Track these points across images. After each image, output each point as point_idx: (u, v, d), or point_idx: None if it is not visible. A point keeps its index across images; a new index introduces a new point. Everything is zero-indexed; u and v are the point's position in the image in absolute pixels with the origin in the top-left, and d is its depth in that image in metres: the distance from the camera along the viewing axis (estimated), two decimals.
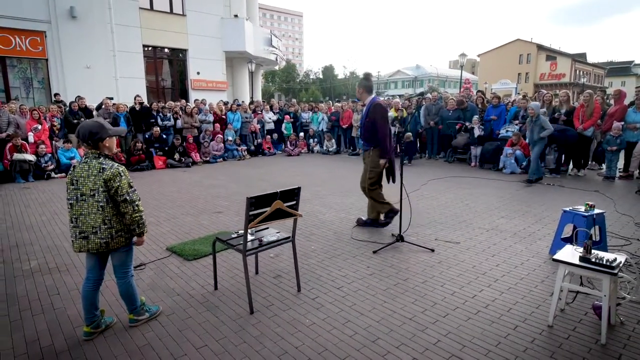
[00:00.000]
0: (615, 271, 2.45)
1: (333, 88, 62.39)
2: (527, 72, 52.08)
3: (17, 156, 8.20)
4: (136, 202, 2.53)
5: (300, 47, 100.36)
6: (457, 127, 10.11)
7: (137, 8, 14.87)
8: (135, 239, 2.67)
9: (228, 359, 2.41)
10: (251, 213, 2.81)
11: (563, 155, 8.53)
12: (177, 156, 10.19)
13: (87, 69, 13.33)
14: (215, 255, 3.34)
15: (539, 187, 7.22)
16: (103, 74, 13.69)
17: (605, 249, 3.71)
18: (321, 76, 66.55)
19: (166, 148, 10.30)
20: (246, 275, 2.92)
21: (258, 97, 21.16)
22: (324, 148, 12.73)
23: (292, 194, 3.09)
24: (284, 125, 13.07)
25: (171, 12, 16.20)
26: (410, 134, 9.83)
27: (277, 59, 22.51)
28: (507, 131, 9.08)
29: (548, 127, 7.21)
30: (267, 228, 3.36)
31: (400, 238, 4.27)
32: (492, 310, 2.93)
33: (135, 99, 10.79)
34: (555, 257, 2.71)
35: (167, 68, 17.15)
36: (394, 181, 4.79)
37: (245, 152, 11.77)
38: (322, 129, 13.03)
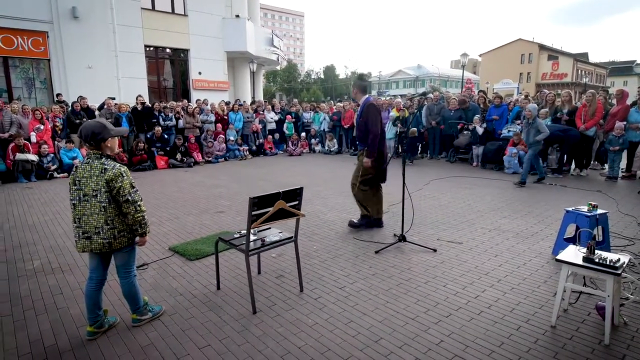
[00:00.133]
0: (619, 271, 2.44)
1: (334, 88, 62.41)
2: (529, 72, 51.97)
3: (20, 156, 8.23)
4: (138, 203, 2.54)
5: (302, 47, 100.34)
6: (459, 127, 10.10)
7: (138, 8, 14.90)
8: (137, 239, 2.68)
9: (231, 358, 2.41)
10: (254, 213, 2.82)
11: (565, 155, 8.50)
12: (178, 156, 10.21)
13: (89, 69, 13.36)
14: (218, 255, 3.35)
15: (541, 187, 7.21)
16: (105, 74, 13.72)
17: (608, 250, 3.70)
18: (322, 76, 66.58)
19: (168, 148, 10.32)
20: (249, 275, 2.92)
21: (259, 97, 21.18)
22: (326, 148, 12.73)
23: (295, 194, 3.10)
24: (285, 125, 13.07)
25: (173, 12, 16.22)
26: (415, 129, 9.84)
27: (278, 59, 22.51)
28: (509, 131, 9.07)
29: (544, 131, 7.03)
30: (270, 228, 3.36)
31: (402, 238, 4.26)
32: (495, 310, 2.92)
33: (137, 99, 10.81)
34: (558, 257, 2.71)
35: (169, 68, 17.17)
36: (383, 181, 4.86)
37: (247, 152, 11.78)
38: (324, 129, 13.03)
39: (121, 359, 2.42)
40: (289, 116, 13.21)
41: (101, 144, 2.52)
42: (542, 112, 8.57)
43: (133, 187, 2.55)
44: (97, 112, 9.96)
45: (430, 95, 11.22)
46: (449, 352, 2.44)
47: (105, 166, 2.47)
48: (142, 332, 2.70)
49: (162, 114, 10.70)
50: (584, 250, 2.66)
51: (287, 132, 13.00)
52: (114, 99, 10.53)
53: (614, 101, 8.81)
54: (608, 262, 2.50)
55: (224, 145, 11.29)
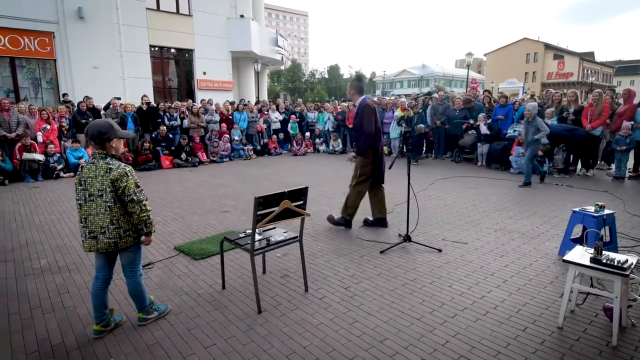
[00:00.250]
0: (627, 272, 2.42)
1: (339, 88, 62.37)
2: (535, 71, 51.69)
3: (27, 156, 8.30)
4: (143, 202, 2.55)
5: (306, 46, 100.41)
6: (464, 126, 10.06)
7: (143, 8, 14.96)
8: (143, 238, 2.69)
9: (236, 358, 2.42)
10: (259, 213, 2.82)
11: (571, 155, 8.44)
12: (183, 156, 10.24)
13: (94, 69, 13.44)
14: (223, 255, 3.35)
15: (547, 187, 7.16)
16: (110, 74, 13.80)
17: (615, 250, 3.67)
18: (327, 76, 66.59)
19: (173, 148, 10.35)
20: (254, 275, 2.93)
21: (264, 96, 21.20)
22: (330, 148, 12.72)
23: (300, 194, 3.10)
24: (290, 125, 13.08)
25: (177, 12, 16.27)
26: (422, 125, 9.80)
27: (282, 59, 22.55)
28: (514, 130, 9.02)
29: (544, 129, 6.90)
30: (275, 228, 3.36)
31: (407, 238, 4.25)
32: (501, 311, 2.91)
33: (142, 99, 10.85)
34: (565, 258, 2.69)
35: (174, 68, 17.24)
36: (381, 182, 4.89)
37: (252, 152, 11.80)
38: (328, 129, 13.02)
39: (127, 357, 2.44)
40: (293, 116, 13.22)
41: (106, 143, 2.53)
42: (548, 112, 8.53)
43: (138, 187, 2.56)
44: (102, 112, 10.03)
45: (435, 94, 11.19)
46: (454, 352, 2.43)
47: (110, 166, 2.48)
48: (148, 331, 2.71)
49: (167, 114, 10.73)
50: (591, 251, 2.64)
51: (291, 131, 13.01)
52: (119, 98, 10.60)
53: (621, 100, 8.74)
54: (616, 263, 2.47)
55: (228, 145, 11.32)
